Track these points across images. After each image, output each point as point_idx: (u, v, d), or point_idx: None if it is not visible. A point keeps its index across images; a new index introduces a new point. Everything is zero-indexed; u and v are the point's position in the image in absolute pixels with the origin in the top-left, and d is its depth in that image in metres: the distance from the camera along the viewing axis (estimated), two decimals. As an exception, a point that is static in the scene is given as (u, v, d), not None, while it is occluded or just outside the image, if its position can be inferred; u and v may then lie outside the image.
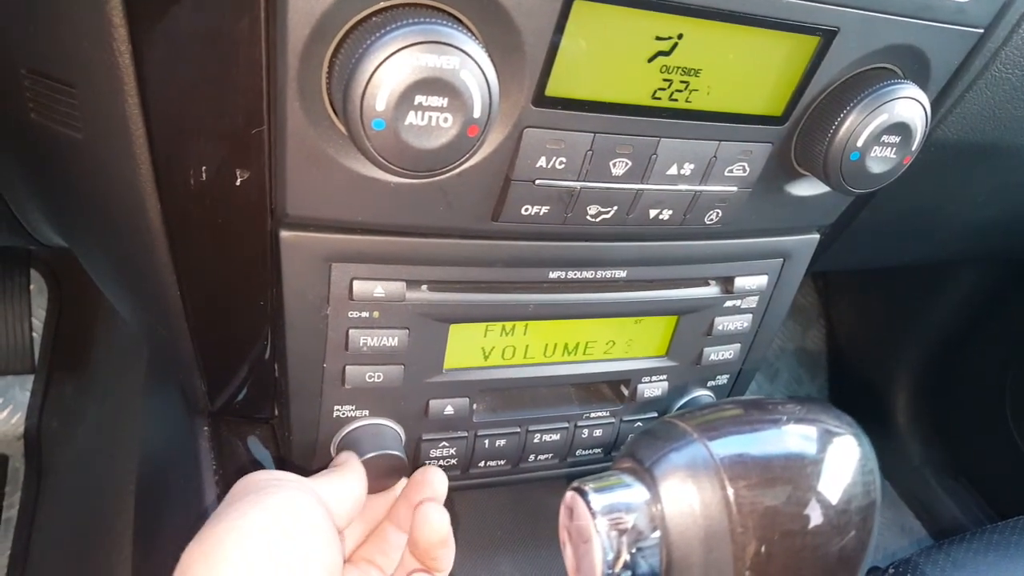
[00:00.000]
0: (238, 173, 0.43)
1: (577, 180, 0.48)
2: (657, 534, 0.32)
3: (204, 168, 0.43)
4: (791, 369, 1.89)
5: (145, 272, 0.50)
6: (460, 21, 0.39)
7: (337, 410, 0.55)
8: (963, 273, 1.50)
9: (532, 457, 0.65)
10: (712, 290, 0.64)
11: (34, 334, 1.16)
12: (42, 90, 0.43)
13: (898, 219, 0.93)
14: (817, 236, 0.66)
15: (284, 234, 0.47)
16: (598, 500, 0.33)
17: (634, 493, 0.33)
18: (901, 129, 0.51)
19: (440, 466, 0.62)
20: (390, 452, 0.55)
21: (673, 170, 0.50)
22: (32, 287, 1.17)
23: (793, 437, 0.35)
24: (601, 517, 0.33)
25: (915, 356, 1.67)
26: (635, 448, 0.36)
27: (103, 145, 0.43)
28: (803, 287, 1.92)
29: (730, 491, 0.32)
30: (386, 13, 0.37)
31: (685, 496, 0.32)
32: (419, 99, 0.37)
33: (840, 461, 0.35)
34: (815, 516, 0.33)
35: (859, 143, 0.50)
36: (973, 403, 1.57)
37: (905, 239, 1.02)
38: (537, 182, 0.47)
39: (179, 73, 0.40)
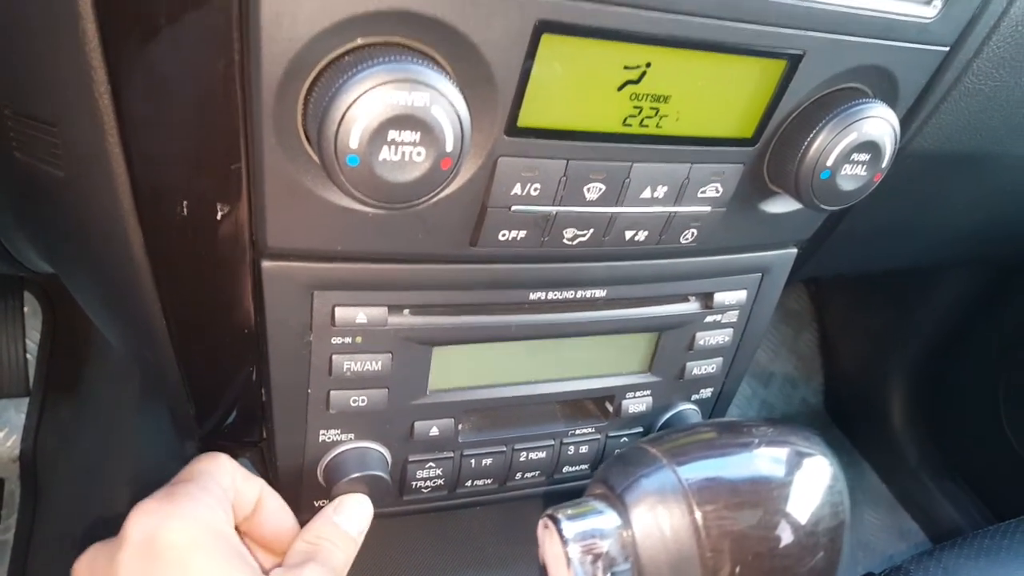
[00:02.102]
0: (219, 207, 0.44)
1: (552, 205, 0.49)
2: (629, 560, 0.33)
3: (185, 203, 0.44)
4: (785, 374, 1.90)
5: (130, 301, 0.51)
6: (431, 58, 0.40)
7: (323, 434, 0.56)
8: (954, 275, 1.51)
9: (519, 475, 0.65)
10: (692, 306, 0.65)
11: (28, 356, 1.16)
12: (25, 129, 0.44)
13: (879, 229, 0.94)
14: (794, 250, 0.67)
15: (266, 264, 0.47)
16: (571, 527, 0.34)
17: (606, 519, 0.34)
18: (870, 147, 0.52)
19: (427, 487, 0.63)
20: (375, 473, 0.56)
21: (647, 193, 0.51)
22: (26, 309, 1.18)
23: (762, 460, 0.36)
24: (574, 544, 0.33)
25: (909, 358, 1.68)
26: (607, 474, 0.36)
27: (86, 182, 0.44)
28: (794, 291, 1.93)
29: (698, 515, 0.33)
30: (358, 52, 0.38)
31: (655, 521, 0.33)
32: (392, 135, 0.38)
33: (808, 483, 0.36)
34: (784, 538, 0.34)
35: (829, 162, 0.51)
36: (968, 404, 1.57)
37: (888, 247, 1.03)
38: (513, 208, 0.48)
39: (159, 112, 0.41)
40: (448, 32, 0.39)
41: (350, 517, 0.53)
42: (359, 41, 0.38)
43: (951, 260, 1.36)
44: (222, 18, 0.38)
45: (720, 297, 0.65)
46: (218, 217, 0.45)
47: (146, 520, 0.42)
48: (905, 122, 0.62)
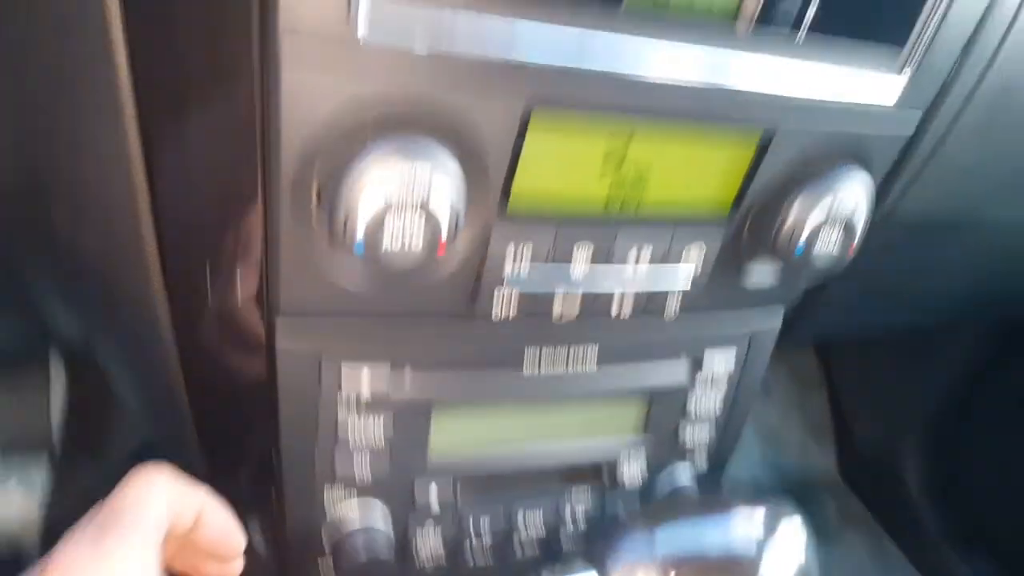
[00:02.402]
0: (239, 273, 0.49)
1: (541, 278, 0.53)
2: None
3: (207, 263, 0.49)
4: (797, 439, 1.88)
5: (154, 364, 0.55)
6: (434, 144, 0.44)
7: (327, 493, 0.59)
8: (965, 334, 1.51)
9: (517, 540, 0.67)
10: (682, 370, 0.67)
11: (52, 413, 1.20)
12: (64, 201, 0.49)
13: (871, 292, 0.96)
14: (781, 315, 0.70)
15: (279, 321, 0.51)
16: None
17: (587, 580, 0.37)
18: (843, 220, 0.55)
19: (427, 549, 0.65)
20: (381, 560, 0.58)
21: (631, 263, 0.55)
22: (51, 368, 1.22)
23: (735, 535, 0.38)
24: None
25: (923, 420, 1.67)
26: (590, 542, 0.39)
27: (119, 252, 0.49)
28: (803, 353, 1.93)
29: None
30: (366, 147, 0.43)
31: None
32: (392, 223, 0.42)
33: (779, 560, 0.38)
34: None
35: (803, 237, 0.55)
36: (988, 467, 1.54)
37: (883, 309, 1.05)
38: (505, 278, 0.52)
39: (188, 188, 0.46)
40: (448, 120, 0.43)
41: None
42: (368, 139, 0.43)
43: (954, 320, 1.37)
44: (247, 110, 0.43)
45: (709, 360, 0.68)
46: (237, 283, 0.49)
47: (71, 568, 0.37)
48: (885, 189, 0.65)
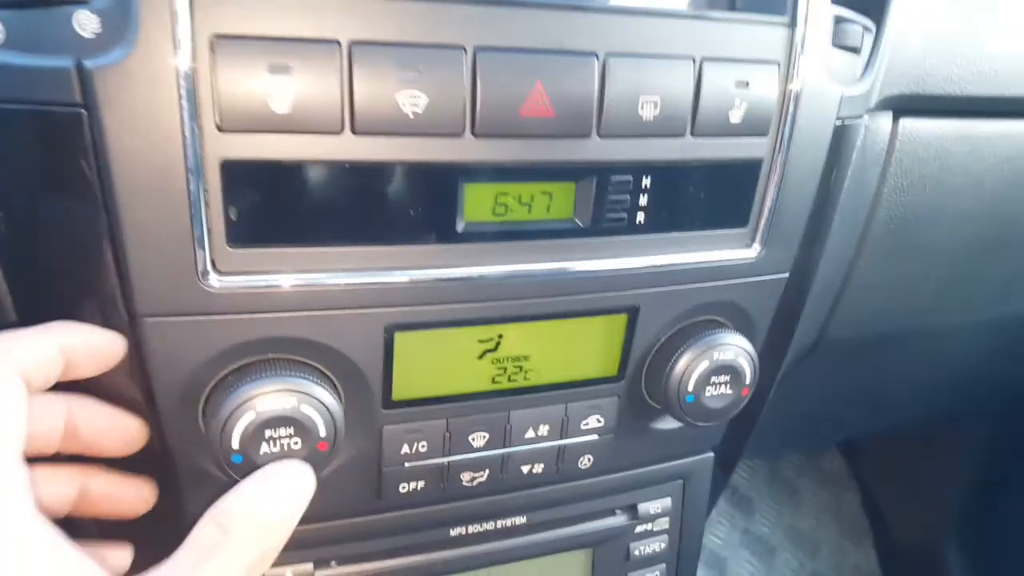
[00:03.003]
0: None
1: (443, 457, 0.56)
2: None
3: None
4: (832, 541, 1.80)
5: None
6: (302, 364, 0.49)
7: None
8: (991, 416, 1.47)
9: None
10: (619, 519, 0.68)
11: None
12: None
13: (823, 405, 0.96)
14: (711, 453, 0.71)
15: None
16: None
17: None
18: (728, 370, 0.58)
19: None
20: None
21: (530, 433, 0.57)
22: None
23: None
24: None
25: (957, 508, 1.60)
26: None
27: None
28: (828, 453, 1.88)
29: None
30: (239, 372, 0.47)
31: None
32: (269, 433, 0.46)
33: None
34: None
35: (690, 387, 0.57)
36: (1029, 551, 1.46)
37: (848, 414, 1.04)
38: (406, 465, 0.55)
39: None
40: (311, 344, 0.48)
41: (275, 495, 0.43)
42: (235, 365, 0.47)
43: (952, 410, 1.34)
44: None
45: (645, 507, 0.68)
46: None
47: None
48: (811, 315, 0.67)
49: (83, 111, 0.38)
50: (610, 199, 0.49)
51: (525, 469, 0.59)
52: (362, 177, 0.44)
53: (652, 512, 0.69)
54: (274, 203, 0.43)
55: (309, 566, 0.58)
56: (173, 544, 0.38)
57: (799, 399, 0.90)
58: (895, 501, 1.77)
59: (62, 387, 0.44)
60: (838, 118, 0.54)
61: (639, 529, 0.69)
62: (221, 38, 0.38)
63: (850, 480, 1.88)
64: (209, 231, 0.42)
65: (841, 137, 0.56)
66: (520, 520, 0.64)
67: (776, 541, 1.76)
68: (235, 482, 0.45)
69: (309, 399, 0.46)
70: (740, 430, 0.73)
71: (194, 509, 0.53)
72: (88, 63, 0.37)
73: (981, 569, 1.57)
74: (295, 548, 0.57)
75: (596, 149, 0.47)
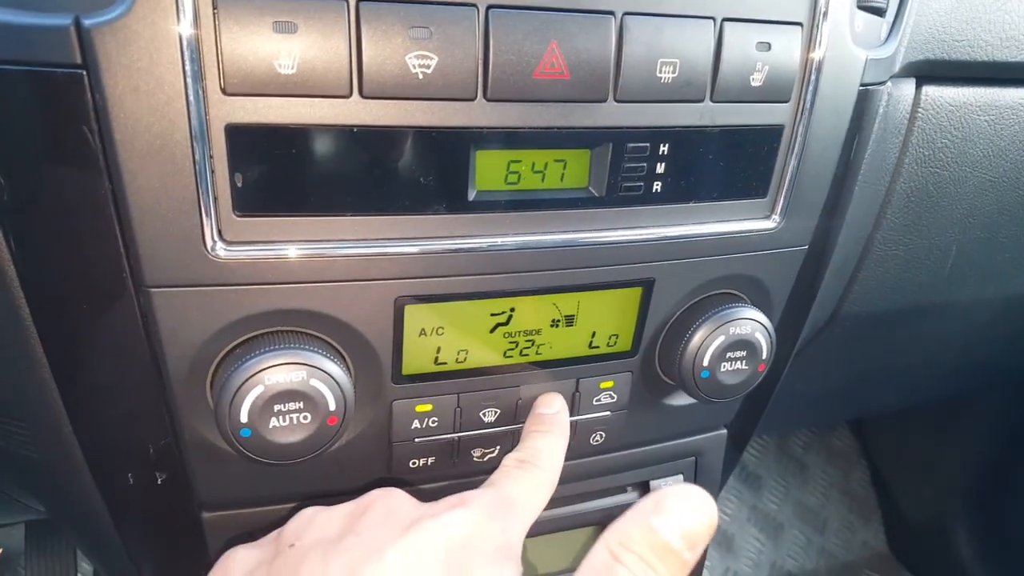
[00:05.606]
0: (158, 475, 0.52)
1: (453, 432, 0.55)
2: None
3: (130, 475, 0.52)
4: (840, 517, 1.80)
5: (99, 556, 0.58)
6: (312, 336, 0.48)
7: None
8: (1003, 392, 1.46)
9: None
10: (630, 496, 0.67)
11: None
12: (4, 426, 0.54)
13: (838, 382, 0.95)
14: (724, 431, 0.70)
15: (205, 516, 0.54)
16: None
17: None
18: (744, 345, 0.56)
19: None
20: None
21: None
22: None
23: None
24: None
25: (966, 486, 1.60)
26: None
27: (55, 463, 0.53)
28: (837, 430, 1.87)
29: None
30: (247, 344, 0.46)
31: None
32: (278, 407, 0.45)
33: None
34: None
35: (705, 362, 0.56)
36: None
37: (862, 392, 1.03)
38: (416, 440, 0.54)
39: (101, 408, 0.50)
40: (319, 316, 0.47)
41: (673, 521, 0.38)
42: (244, 336, 0.46)
43: (953, 392, 1.33)
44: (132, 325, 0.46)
45: (656, 485, 0.68)
46: (159, 482, 0.52)
47: None
48: (810, 296, 0.66)
49: (83, 72, 0.37)
50: (626, 167, 0.48)
51: (537, 445, 0.58)
52: (371, 143, 0.42)
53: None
54: (281, 170, 0.41)
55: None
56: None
57: (813, 376, 0.89)
58: (905, 478, 1.76)
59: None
60: (862, 84, 0.53)
61: (651, 506, 0.68)
62: (224, -6, 0.37)
63: (859, 457, 1.87)
64: (215, 199, 0.41)
65: (864, 104, 0.54)
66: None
67: (784, 518, 1.76)
68: (243, 455, 0.45)
69: (319, 373, 0.46)
70: (754, 407, 0.72)
71: (203, 483, 0.52)
72: (87, 21, 0.36)
73: (991, 546, 1.57)
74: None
75: (612, 114, 0.45)
